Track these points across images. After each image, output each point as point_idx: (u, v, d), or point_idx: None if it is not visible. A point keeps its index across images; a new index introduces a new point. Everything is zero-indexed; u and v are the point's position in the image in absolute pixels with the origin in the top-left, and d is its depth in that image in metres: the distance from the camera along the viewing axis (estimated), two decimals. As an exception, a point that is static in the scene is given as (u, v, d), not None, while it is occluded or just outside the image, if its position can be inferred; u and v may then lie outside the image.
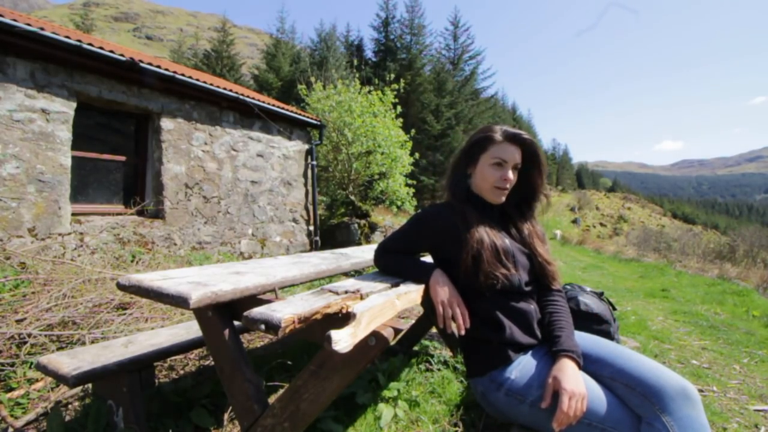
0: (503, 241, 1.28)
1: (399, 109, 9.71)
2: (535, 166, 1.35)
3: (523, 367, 1.19)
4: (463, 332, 1.21)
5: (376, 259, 1.42)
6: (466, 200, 1.37)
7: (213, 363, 1.60)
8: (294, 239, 7.04)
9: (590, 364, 1.18)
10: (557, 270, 1.35)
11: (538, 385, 1.13)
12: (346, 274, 1.74)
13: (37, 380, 1.90)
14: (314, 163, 7.53)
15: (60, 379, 1.28)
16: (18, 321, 2.23)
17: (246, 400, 1.09)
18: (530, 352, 1.23)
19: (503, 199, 1.33)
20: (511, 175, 1.30)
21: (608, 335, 1.60)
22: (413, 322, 2.45)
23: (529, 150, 1.33)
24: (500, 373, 1.20)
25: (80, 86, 4.33)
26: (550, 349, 1.19)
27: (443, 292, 1.21)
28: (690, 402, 1.00)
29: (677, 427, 0.98)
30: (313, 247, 7.33)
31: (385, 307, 1.01)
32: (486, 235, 1.26)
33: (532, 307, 1.29)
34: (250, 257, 6.10)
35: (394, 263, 1.36)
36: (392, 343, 1.10)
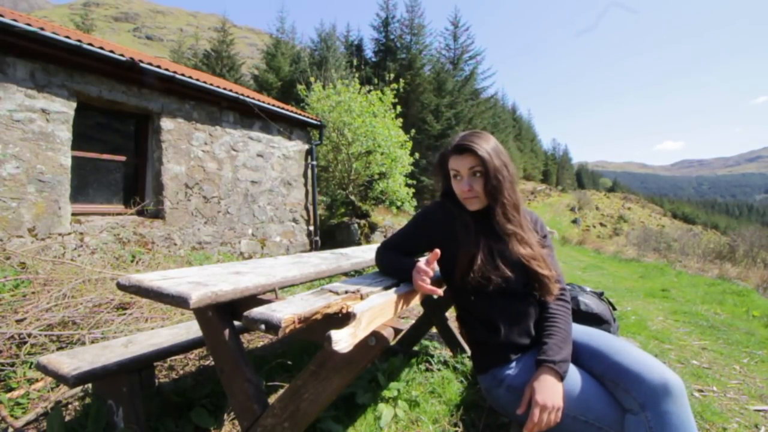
0: (499, 244, 1.27)
1: (399, 109, 9.72)
2: (484, 172, 1.26)
3: (523, 364, 1.21)
4: (440, 293, 1.17)
5: (377, 258, 1.42)
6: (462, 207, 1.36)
7: (213, 363, 1.60)
8: (294, 239, 7.04)
9: (586, 360, 1.20)
10: (551, 282, 1.24)
11: None
12: (346, 274, 1.74)
13: (37, 380, 1.90)
14: (314, 163, 7.53)
15: (60, 379, 1.28)
16: (18, 321, 2.23)
17: (246, 400, 1.10)
18: (530, 352, 1.24)
19: (476, 206, 1.30)
20: (467, 184, 1.26)
21: (608, 335, 1.60)
22: (413, 322, 2.46)
23: (476, 155, 1.25)
24: (500, 371, 1.23)
25: (80, 86, 4.33)
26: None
27: (420, 278, 1.18)
28: (670, 397, 0.98)
29: (655, 423, 0.97)
30: (313, 247, 7.33)
31: (385, 307, 1.01)
32: (482, 237, 1.26)
33: (530, 308, 1.27)
34: (250, 257, 6.10)
35: (390, 263, 1.36)
36: (392, 343, 1.10)
